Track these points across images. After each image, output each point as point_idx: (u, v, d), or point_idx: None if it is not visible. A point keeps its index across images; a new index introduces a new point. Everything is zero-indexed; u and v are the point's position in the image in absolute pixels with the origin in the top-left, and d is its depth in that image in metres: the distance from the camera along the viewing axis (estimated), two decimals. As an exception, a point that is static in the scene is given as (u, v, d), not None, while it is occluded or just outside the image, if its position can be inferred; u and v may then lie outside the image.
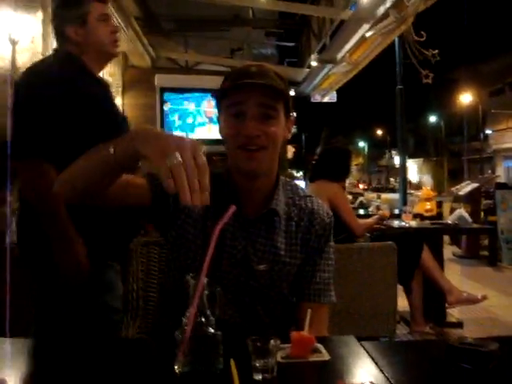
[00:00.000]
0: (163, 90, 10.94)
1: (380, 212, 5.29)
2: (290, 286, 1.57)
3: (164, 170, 1.02)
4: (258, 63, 1.55)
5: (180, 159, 1.02)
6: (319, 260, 1.61)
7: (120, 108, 10.67)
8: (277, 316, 1.56)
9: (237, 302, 1.49)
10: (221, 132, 1.56)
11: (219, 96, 1.53)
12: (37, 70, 2.18)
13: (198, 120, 11.17)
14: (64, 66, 2.14)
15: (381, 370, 1.05)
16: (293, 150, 18.40)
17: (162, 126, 10.89)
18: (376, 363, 1.09)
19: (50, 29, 6.93)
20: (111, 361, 1.14)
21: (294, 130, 1.71)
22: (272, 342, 1.02)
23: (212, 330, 1.04)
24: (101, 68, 2.39)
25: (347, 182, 8.36)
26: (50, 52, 6.81)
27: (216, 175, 1.47)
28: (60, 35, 2.26)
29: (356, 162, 71.33)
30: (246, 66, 1.53)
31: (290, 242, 1.57)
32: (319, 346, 1.16)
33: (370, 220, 4.70)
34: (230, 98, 1.48)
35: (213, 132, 11.18)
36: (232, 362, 0.95)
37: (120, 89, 10.93)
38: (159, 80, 10.88)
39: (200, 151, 1.06)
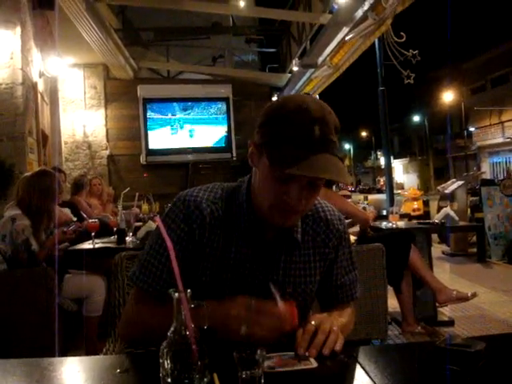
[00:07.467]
0: (146, 100, 10.98)
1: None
2: (313, 298, 1.55)
3: None
4: (316, 104, 1.32)
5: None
6: (340, 267, 1.57)
7: (105, 122, 10.70)
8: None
9: None
10: (255, 177, 1.40)
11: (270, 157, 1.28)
12: None
13: (183, 128, 11.22)
14: None
15: (369, 376, 1.05)
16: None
17: (146, 135, 10.93)
18: (363, 368, 1.09)
19: (29, 45, 6.89)
20: (100, 376, 1.12)
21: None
22: (258, 352, 1.01)
23: (197, 344, 1.02)
24: None
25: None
26: (29, 68, 6.78)
27: (230, 197, 1.44)
28: None
29: (343, 165, 71.60)
30: (307, 122, 1.26)
31: (309, 260, 1.50)
32: (307, 353, 1.16)
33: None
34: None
35: (197, 140, 11.22)
36: (215, 376, 0.94)
37: (103, 101, 10.93)
38: (142, 91, 10.91)
39: None
